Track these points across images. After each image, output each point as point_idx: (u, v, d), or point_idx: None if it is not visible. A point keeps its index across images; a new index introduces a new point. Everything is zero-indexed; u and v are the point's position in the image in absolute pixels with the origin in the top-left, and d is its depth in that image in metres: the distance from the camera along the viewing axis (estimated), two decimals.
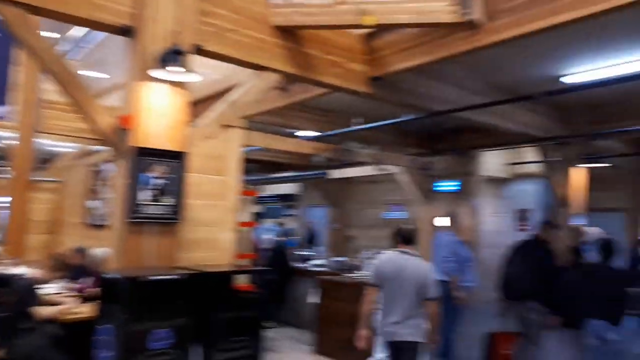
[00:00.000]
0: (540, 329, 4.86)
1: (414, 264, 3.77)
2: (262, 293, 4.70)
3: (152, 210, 3.41)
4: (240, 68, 4.07)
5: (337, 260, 8.05)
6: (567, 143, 7.57)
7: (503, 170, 10.24)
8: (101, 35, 6.97)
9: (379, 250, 6.99)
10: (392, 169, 8.89)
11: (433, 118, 6.65)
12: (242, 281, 4.46)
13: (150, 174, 3.39)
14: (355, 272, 6.92)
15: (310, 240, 11.42)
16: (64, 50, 7.72)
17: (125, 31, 3.37)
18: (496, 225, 10.10)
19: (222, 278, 3.91)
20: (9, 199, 6.57)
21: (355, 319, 5.78)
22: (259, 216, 13.54)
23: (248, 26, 3.73)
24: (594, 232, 7.52)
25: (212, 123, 4.12)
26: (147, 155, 3.38)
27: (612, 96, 6.71)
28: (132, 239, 3.32)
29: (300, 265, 8.09)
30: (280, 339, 6.59)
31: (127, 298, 3.05)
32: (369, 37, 4.37)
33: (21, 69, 6.86)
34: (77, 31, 7.97)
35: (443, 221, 6.82)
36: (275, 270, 7.54)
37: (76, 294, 4.64)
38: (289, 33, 3.92)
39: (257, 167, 11.67)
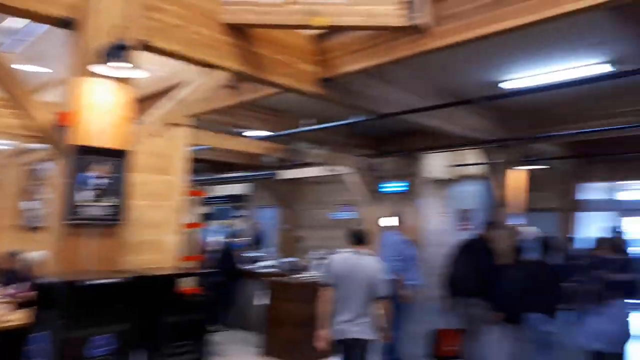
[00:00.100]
0: (483, 324, 5.07)
1: (365, 264, 3.85)
2: (209, 296, 4.61)
3: (93, 211, 3.26)
4: (189, 65, 3.97)
5: (287, 261, 8.03)
6: (507, 146, 7.93)
7: (447, 172, 10.59)
8: (43, 27, 6.60)
9: (328, 250, 7.06)
10: (341, 169, 8.98)
11: (381, 120, 6.78)
12: (188, 284, 4.35)
13: (90, 174, 3.24)
14: (305, 272, 6.93)
15: (258, 241, 11.33)
16: None
17: (66, 23, 3.21)
18: (440, 225, 10.43)
19: (167, 281, 3.80)
20: None
21: (304, 319, 5.81)
22: (206, 217, 13.28)
23: (197, 23, 3.65)
24: (530, 231, 7.92)
25: (157, 121, 4.00)
26: (88, 153, 3.23)
27: (548, 101, 7.09)
28: (70, 241, 3.16)
29: (249, 266, 8.00)
30: (227, 342, 6.48)
31: (64, 303, 2.90)
32: (320, 38, 4.38)
33: None
34: (15, 23, 7.50)
35: (389, 221, 6.95)
36: (223, 273, 7.42)
37: (9, 300, 4.37)
38: (239, 31, 3.86)
39: (206, 166, 11.45)
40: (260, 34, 4.00)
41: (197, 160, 7.07)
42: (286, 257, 8.85)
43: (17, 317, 3.85)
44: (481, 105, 7.11)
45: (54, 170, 3.41)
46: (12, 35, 7.45)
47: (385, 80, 5.65)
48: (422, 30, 3.39)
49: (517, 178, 8.30)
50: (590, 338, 4.34)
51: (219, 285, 7.15)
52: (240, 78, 4.57)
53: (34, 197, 5.96)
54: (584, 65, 5.34)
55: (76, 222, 3.20)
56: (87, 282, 2.98)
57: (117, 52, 3.12)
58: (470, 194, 10.46)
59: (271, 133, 7.83)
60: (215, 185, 14.08)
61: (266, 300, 6.25)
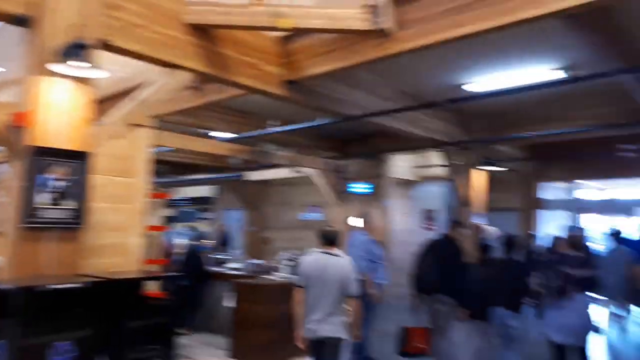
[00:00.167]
0: (450, 321, 5.20)
1: (336, 264, 3.91)
2: (174, 299, 4.54)
3: (52, 214, 3.17)
4: (151, 65, 3.91)
5: (254, 263, 7.98)
6: (469, 148, 8.14)
7: (411, 173, 10.79)
8: None
9: (296, 251, 7.07)
10: (308, 171, 9.01)
11: (346, 122, 6.84)
12: (152, 287, 4.28)
13: (49, 176, 3.15)
14: (273, 274, 6.91)
15: (224, 243, 11.22)
16: None
17: (22, 21, 3.11)
18: (405, 224, 10.60)
19: (130, 285, 3.73)
20: None
21: (273, 321, 5.80)
22: (171, 220, 13.07)
23: (159, 22, 3.60)
24: (492, 230, 8.16)
25: (119, 122, 3.93)
26: (46, 155, 3.14)
27: (508, 105, 7.33)
28: (28, 245, 3.07)
29: (216, 269, 7.92)
30: (194, 345, 6.40)
31: (21, 310, 2.81)
32: (285, 40, 4.39)
33: None
34: None
35: (356, 221, 7.02)
36: (189, 275, 7.31)
37: None
38: (203, 32, 3.83)
39: (169, 168, 11.27)
40: (224, 35, 3.98)
41: (160, 162, 6.97)
42: (253, 259, 8.80)
43: None
44: (444, 108, 7.28)
45: (10, 173, 3.30)
46: None
47: (350, 83, 5.71)
48: (386, 34, 3.45)
49: (479, 179, 8.54)
50: (553, 331, 4.50)
51: (185, 288, 7.05)
52: (204, 79, 4.54)
53: None
54: (541, 71, 5.55)
55: (34, 225, 3.11)
56: (46, 287, 2.90)
57: (75, 51, 3.05)
58: (434, 195, 10.69)
59: (237, 135, 7.79)
60: (179, 187, 13.88)
61: (233, 303, 6.21)
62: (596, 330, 4.73)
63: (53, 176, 3.17)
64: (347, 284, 3.84)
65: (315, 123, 6.89)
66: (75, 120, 3.23)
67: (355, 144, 10.03)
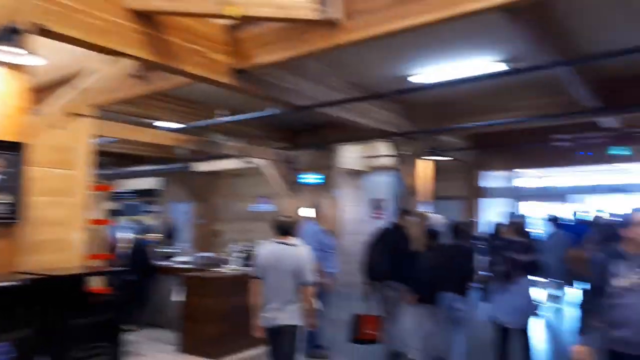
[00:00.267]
0: (400, 306, 5.35)
1: (291, 253, 3.96)
2: (120, 295, 4.41)
3: None
4: (92, 52, 3.73)
5: (203, 256, 7.86)
6: (415, 138, 8.35)
7: (360, 163, 10.95)
8: None
9: (248, 243, 7.02)
10: (258, 162, 8.94)
11: (296, 113, 6.84)
12: (96, 283, 4.13)
13: None
14: (223, 266, 6.83)
15: (170, 236, 10.98)
16: None
17: None
18: (355, 214, 10.77)
19: (73, 282, 3.59)
20: None
21: (224, 314, 5.76)
22: (115, 213, 12.62)
23: (100, 7, 3.43)
24: (437, 217, 8.43)
25: (58, 111, 3.73)
26: None
27: (452, 96, 7.56)
28: None
29: (164, 263, 7.74)
30: (142, 341, 6.25)
31: None
32: (233, 28, 4.31)
33: None
34: None
35: (307, 212, 7.06)
36: (135, 270, 7.12)
37: None
38: (147, 18, 3.69)
39: (113, 160, 10.85)
40: (170, 22, 3.85)
41: (103, 153, 6.70)
42: (203, 251, 8.67)
43: None
44: (391, 99, 7.42)
45: None
46: None
47: (299, 73, 5.70)
48: (334, 25, 3.47)
49: (425, 168, 8.78)
50: (500, 313, 4.73)
51: (131, 283, 6.85)
52: (148, 67, 4.38)
53: None
54: (484, 63, 5.76)
55: None
56: None
57: (8, 35, 2.87)
58: (383, 184, 10.90)
59: (184, 124, 7.61)
60: (123, 179, 13.41)
61: (182, 297, 6.10)
62: (538, 311, 5.03)
63: None
64: (302, 271, 3.89)
65: (264, 113, 6.83)
66: (9, 110, 3.04)
67: (305, 134, 10.04)
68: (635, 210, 2.94)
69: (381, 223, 8.08)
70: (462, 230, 5.36)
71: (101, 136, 6.37)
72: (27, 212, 3.24)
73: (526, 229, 5.52)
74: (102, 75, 3.77)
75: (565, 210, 11.61)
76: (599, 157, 9.31)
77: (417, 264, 5.18)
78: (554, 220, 8.44)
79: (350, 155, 10.58)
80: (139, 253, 7.47)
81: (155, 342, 6.38)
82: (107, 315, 3.67)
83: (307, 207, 7.87)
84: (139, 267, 7.23)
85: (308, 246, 4.17)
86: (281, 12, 3.43)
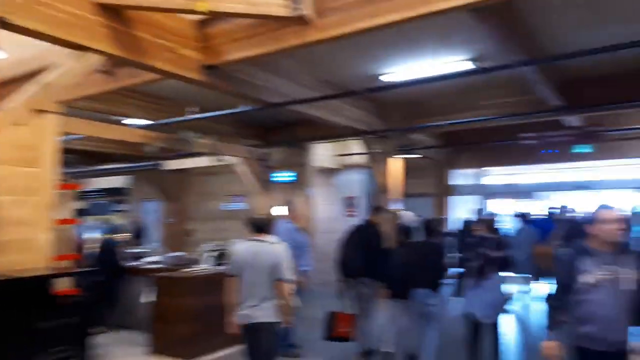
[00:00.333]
0: (374, 302, 5.40)
1: (266, 250, 3.96)
2: (89, 296, 4.30)
3: None
4: (57, 47, 3.63)
5: (174, 256, 7.75)
6: (386, 136, 8.43)
7: (333, 161, 10.99)
8: None
9: (221, 242, 6.96)
10: (230, 159, 8.85)
11: (269, 110, 6.80)
12: (63, 285, 4.02)
13: None
14: (195, 266, 6.76)
15: (139, 236, 10.78)
16: None
17: None
18: (328, 212, 10.80)
19: (39, 283, 3.48)
20: None
21: (196, 314, 5.70)
22: (82, 213, 12.30)
23: (64, 0, 3.34)
24: (408, 215, 8.54)
25: (20, 107, 3.61)
26: None
27: (422, 95, 7.67)
28: None
29: (133, 263, 7.60)
30: (112, 343, 6.12)
31: None
32: (203, 24, 4.26)
33: None
34: None
35: (280, 210, 7.04)
36: (103, 271, 6.97)
37: None
38: (114, 12, 3.61)
39: (80, 158, 10.58)
40: (138, 17, 3.78)
41: (69, 151, 6.53)
42: (173, 251, 8.55)
43: None
44: (363, 98, 7.47)
45: None
46: None
47: (271, 70, 5.68)
48: (305, 22, 3.47)
49: (396, 166, 8.87)
50: (474, 308, 4.84)
51: (100, 284, 6.71)
52: (115, 62, 4.30)
53: None
54: (452, 62, 5.86)
55: None
56: None
57: None
58: (355, 182, 10.97)
59: (153, 121, 7.48)
60: (91, 177, 13.10)
61: (153, 297, 6.00)
62: (509, 306, 5.16)
63: None
64: (278, 268, 3.90)
65: (236, 110, 6.78)
66: None
67: (278, 132, 10.02)
68: (601, 207, 2.98)
69: (354, 221, 8.13)
70: (434, 227, 5.45)
71: (67, 133, 6.20)
72: None
73: (497, 226, 5.65)
74: (67, 70, 3.67)
75: (533, 207, 11.92)
76: (563, 155, 9.61)
77: (390, 261, 5.24)
78: (522, 216, 8.67)
79: (322, 153, 10.60)
80: (107, 253, 7.32)
81: (125, 343, 6.27)
82: (75, 317, 3.58)
83: (280, 205, 7.86)
84: (107, 267, 7.08)
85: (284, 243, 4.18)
86: (252, 8, 3.41)
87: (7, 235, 3.62)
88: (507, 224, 8.87)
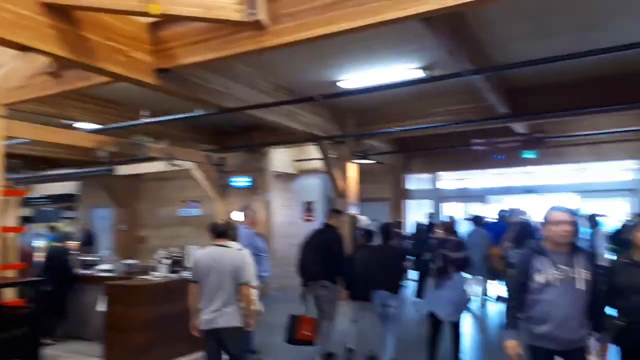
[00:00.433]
0: (335, 305, 5.45)
1: (228, 255, 3.97)
2: (37, 307, 4.13)
3: None
4: (1, 47, 3.48)
5: (127, 264, 7.53)
6: (342, 142, 8.55)
7: (290, 166, 11.01)
8: None
9: (175, 249, 6.82)
10: (185, 164, 8.72)
11: (225, 115, 6.76)
12: (10, 296, 3.85)
13: None
14: (151, 274, 6.59)
15: (89, 243, 10.42)
16: None
17: None
18: (286, 216, 10.80)
19: None
20: None
21: (151, 322, 5.55)
22: (29, 220, 11.80)
23: (9, 0, 3.22)
24: (364, 218, 8.67)
25: None
26: None
27: (378, 101, 7.83)
28: None
29: (85, 272, 7.33)
30: (63, 355, 5.90)
31: None
32: (155, 26, 4.19)
33: None
34: None
35: (238, 215, 6.99)
36: (52, 280, 6.68)
37: None
38: (61, 12, 3.50)
39: (26, 163, 10.14)
40: (87, 18, 3.69)
41: (14, 156, 6.26)
42: (126, 259, 8.31)
43: None
44: (320, 104, 7.55)
45: None
46: None
47: (227, 74, 5.65)
48: (260, 27, 3.48)
49: (353, 171, 9.00)
50: (434, 307, 4.97)
51: (49, 294, 6.43)
52: (63, 64, 4.16)
53: None
54: (405, 70, 6.02)
55: None
56: None
57: None
58: (313, 187, 11.02)
59: (104, 125, 7.27)
60: (38, 183, 12.56)
61: (106, 306, 5.81)
62: (469, 305, 5.32)
63: None
64: (240, 272, 3.91)
65: (191, 114, 6.70)
66: None
67: (234, 136, 9.95)
68: (552, 208, 3.01)
69: (312, 225, 8.17)
70: (392, 230, 5.57)
71: (11, 137, 5.94)
72: None
73: (455, 229, 5.82)
74: (11, 71, 3.53)
75: (484, 211, 12.33)
76: (512, 160, 10.02)
77: (350, 264, 5.33)
78: (475, 219, 8.94)
79: (280, 158, 10.60)
80: (56, 262, 7.03)
81: (78, 355, 6.04)
82: (23, 329, 3.44)
83: (237, 211, 7.79)
84: (56, 276, 6.80)
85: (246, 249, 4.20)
86: (206, 12, 3.38)
87: None
88: (460, 227, 9.12)
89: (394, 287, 5.05)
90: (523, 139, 8.07)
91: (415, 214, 12.05)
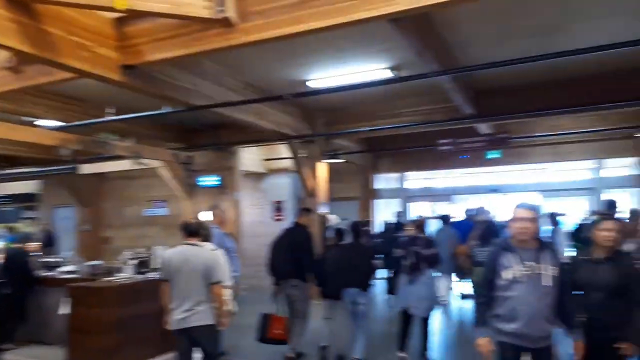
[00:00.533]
0: (307, 303, 5.47)
1: (198, 254, 3.95)
2: None
3: None
4: None
5: (91, 265, 7.33)
6: (312, 141, 8.56)
7: (260, 165, 10.96)
8: None
9: (141, 250, 6.69)
10: (152, 163, 8.55)
11: (193, 113, 6.67)
12: None
13: None
14: (116, 275, 6.44)
15: (50, 244, 10.10)
16: None
17: None
18: (256, 216, 10.74)
19: None
20: None
21: (117, 324, 5.43)
22: None
23: None
24: (333, 218, 8.71)
25: None
26: None
27: (347, 101, 7.88)
28: None
29: (45, 273, 7.10)
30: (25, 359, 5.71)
31: None
32: (121, 22, 4.10)
33: None
34: None
35: (207, 215, 6.91)
36: (11, 282, 6.46)
37: None
38: (22, 5, 3.38)
39: None
40: (49, 12, 3.57)
41: None
42: (90, 260, 8.10)
43: None
44: (290, 103, 7.54)
45: None
46: None
47: (195, 72, 5.58)
48: (229, 25, 3.44)
49: (322, 170, 9.02)
50: (406, 303, 5.05)
51: (7, 297, 6.23)
52: (23, 59, 4.03)
53: None
54: (373, 70, 6.07)
55: None
56: None
57: None
58: (283, 186, 11.00)
59: (67, 123, 7.06)
60: None
61: (69, 309, 5.65)
62: (440, 301, 5.43)
63: None
64: (211, 271, 3.89)
65: (157, 112, 6.58)
66: None
67: (202, 135, 9.82)
68: (518, 205, 3.04)
69: (282, 224, 8.15)
70: (361, 229, 5.63)
71: None
72: None
73: (425, 227, 5.93)
74: None
75: (451, 210, 12.55)
76: (477, 160, 10.24)
77: (322, 262, 5.36)
78: (442, 218, 9.10)
79: (249, 157, 10.53)
80: (16, 264, 6.79)
81: (39, 359, 5.86)
82: None
83: (206, 210, 7.70)
84: (15, 279, 6.57)
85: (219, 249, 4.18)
86: (173, 8, 3.33)
87: None
88: (429, 226, 9.27)
89: (364, 284, 5.12)
90: (488, 140, 8.27)
91: (384, 213, 12.17)
